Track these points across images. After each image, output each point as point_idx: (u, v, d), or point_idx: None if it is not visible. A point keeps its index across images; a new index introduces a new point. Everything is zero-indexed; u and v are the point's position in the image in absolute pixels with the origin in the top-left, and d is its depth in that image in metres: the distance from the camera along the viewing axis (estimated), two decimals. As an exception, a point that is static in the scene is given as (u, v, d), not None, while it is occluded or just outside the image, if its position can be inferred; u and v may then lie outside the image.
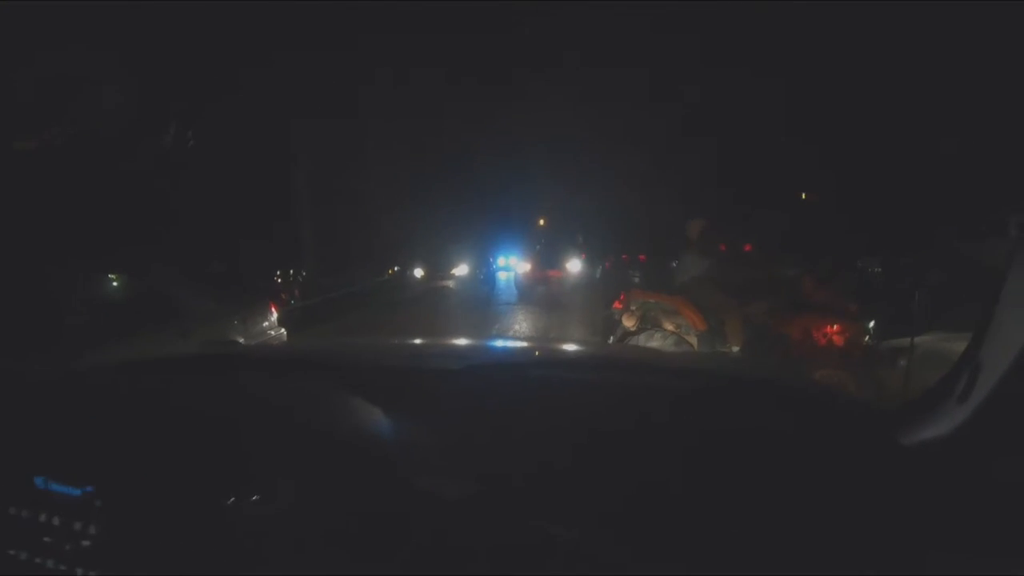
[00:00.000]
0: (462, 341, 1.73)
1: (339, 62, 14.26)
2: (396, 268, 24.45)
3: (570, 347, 1.68)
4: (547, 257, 14.68)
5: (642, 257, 14.29)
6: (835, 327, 3.64)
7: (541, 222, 26.40)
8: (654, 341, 3.77)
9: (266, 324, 4.18)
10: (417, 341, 1.70)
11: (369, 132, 18.31)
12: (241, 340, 3.83)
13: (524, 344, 1.81)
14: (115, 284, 3.56)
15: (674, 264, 4.26)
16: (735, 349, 3.81)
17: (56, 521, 0.63)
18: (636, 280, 4.85)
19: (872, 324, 3.69)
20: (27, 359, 2.40)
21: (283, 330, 4.37)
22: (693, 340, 3.83)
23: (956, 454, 0.58)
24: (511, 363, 1.12)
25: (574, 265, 14.19)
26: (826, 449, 0.69)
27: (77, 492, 0.64)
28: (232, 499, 0.60)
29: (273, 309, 4.31)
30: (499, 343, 1.89)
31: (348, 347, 1.45)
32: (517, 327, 7.99)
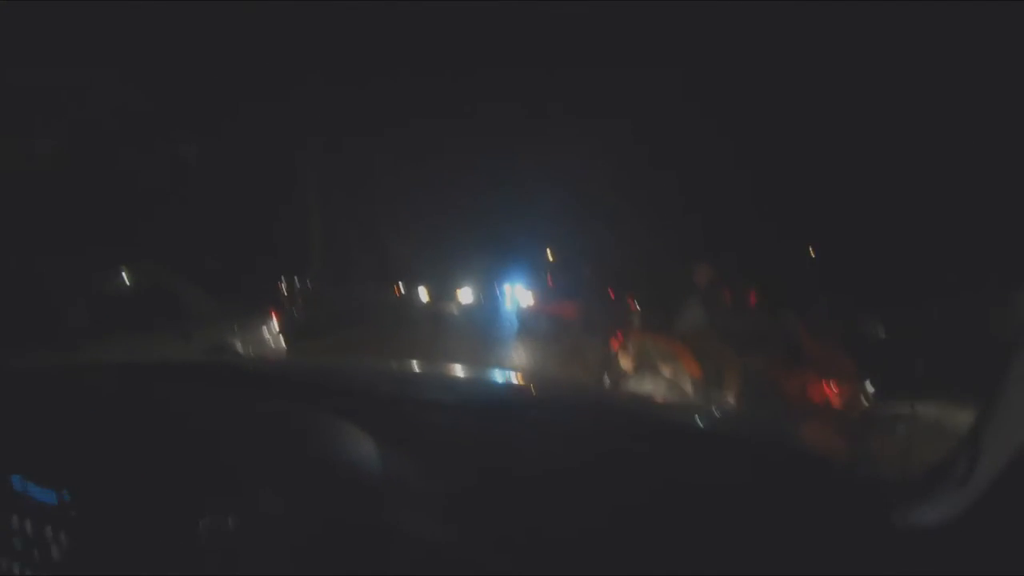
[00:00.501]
0: (457, 370, 1.72)
1: (354, 81, 14.57)
2: (402, 287, 24.54)
3: (564, 386, 1.65)
4: (551, 289, 14.67)
5: (631, 299, 14.25)
6: (832, 386, 3.61)
7: (548, 253, 26.51)
8: (647, 383, 3.75)
9: (266, 332, 4.19)
10: (412, 366, 1.69)
11: (381, 148, 18.58)
12: (239, 345, 3.85)
13: (517, 378, 1.79)
14: (120, 281, 3.59)
15: (678, 306, 4.26)
16: (730, 400, 3.78)
17: (28, 526, 0.61)
18: (635, 320, 4.83)
19: (870, 385, 3.66)
20: (28, 353, 2.43)
21: (282, 339, 4.38)
22: (688, 386, 3.81)
23: (955, 541, 0.54)
24: (501, 402, 1.11)
25: (576, 298, 14.17)
26: (816, 521, 0.66)
27: (53, 498, 0.62)
28: (205, 520, 0.58)
29: (274, 317, 4.33)
30: (492, 375, 1.86)
31: (343, 368, 1.44)
32: (515, 357, 7.98)
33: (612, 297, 14.26)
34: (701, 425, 1.13)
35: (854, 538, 0.62)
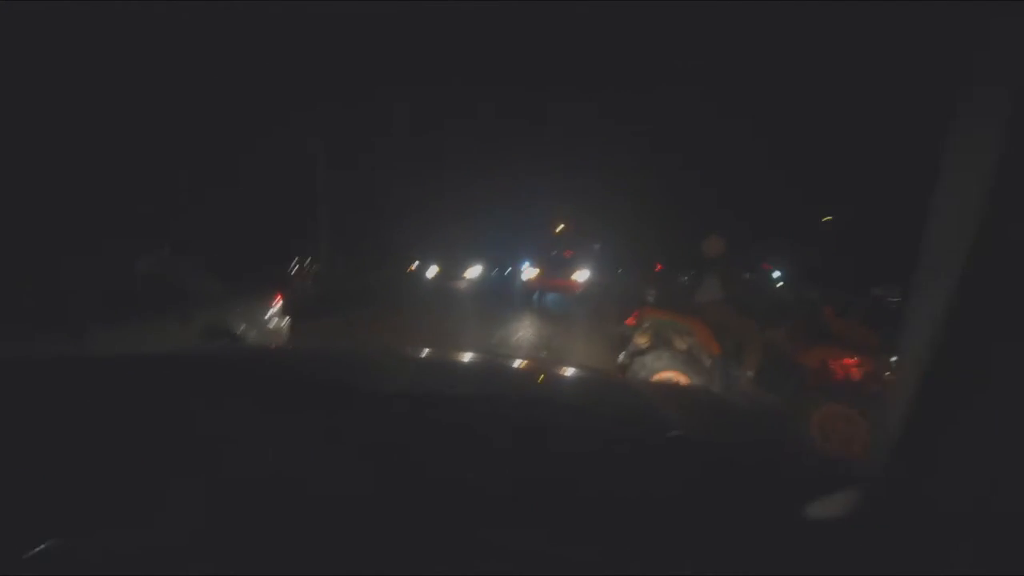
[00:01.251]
0: (454, 357, 1.65)
1: (366, 66, 14.40)
2: (416, 265, 24.60)
3: (565, 374, 1.55)
4: (562, 264, 14.53)
5: (659, 266, 14.12)
6: (854, 360, 3.48)
7: (559, 228, 26.32)
8: (663, 361, 3.65)
9: (269, 314, 4.13)
10: (403, 354, 1.65)
11: (392, 128, 18.39)
12: (243, 326, 3.80)
13: (514, 365, 1.68)
14: (124, 266, 3.54)
15: (690, 279, 4.10)
16: (749, 375, 3.67)
17: None
18: (650, 298, 4.68)
19: (895, 359, 3.53)
20: (35, 337, 2.42)
21: (287, 319, 4.33)
22: (706, 362, 3.70)
23: (851, 534, 0.57)
24: (489, 395, 1.07)
25: (583, 275, 14.02)
26: (732, 512, 0.65)
27: None
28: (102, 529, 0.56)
29: (279, 299, 4.27)
30: (491, 362, 1.76)
31: (328, 358, 1.40)
32: (522, 334, 7.88)
33: (659, 269, 14.18)
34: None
35: (767, 528, 0.62)
